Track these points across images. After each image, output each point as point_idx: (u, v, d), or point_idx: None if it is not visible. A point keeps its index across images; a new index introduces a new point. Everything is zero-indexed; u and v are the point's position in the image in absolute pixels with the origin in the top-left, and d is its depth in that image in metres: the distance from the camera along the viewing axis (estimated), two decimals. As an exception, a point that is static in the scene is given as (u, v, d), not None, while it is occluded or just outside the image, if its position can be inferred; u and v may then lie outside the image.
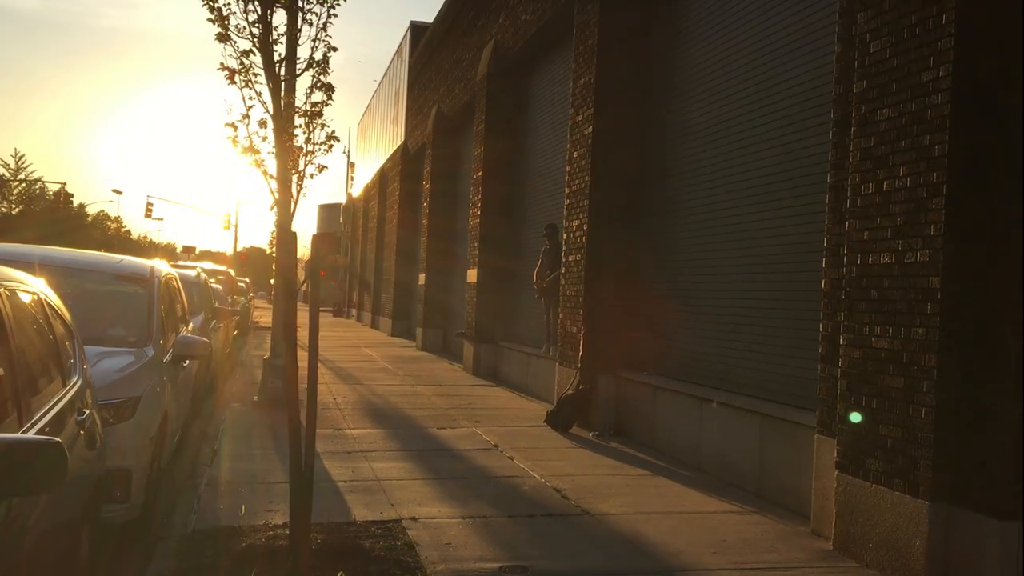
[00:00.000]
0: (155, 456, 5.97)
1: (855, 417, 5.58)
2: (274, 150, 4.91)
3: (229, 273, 24.34)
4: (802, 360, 7.13)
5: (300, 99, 4.84)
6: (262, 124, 4.88)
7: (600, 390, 10.39)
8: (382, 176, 32.96)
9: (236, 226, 53.43)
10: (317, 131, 4.92)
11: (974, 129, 5.03)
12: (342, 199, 51.30)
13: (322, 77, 4.91)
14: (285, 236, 4.83)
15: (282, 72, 4.79)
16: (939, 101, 5.08)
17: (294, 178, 4.91)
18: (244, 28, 4.80)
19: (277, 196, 4.91)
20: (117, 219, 73.15)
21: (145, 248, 64.45)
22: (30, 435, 2.70)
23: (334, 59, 5.07)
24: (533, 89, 15.53)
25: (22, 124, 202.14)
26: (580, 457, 8.89)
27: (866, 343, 5.60)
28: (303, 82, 5.05)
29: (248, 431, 9.77)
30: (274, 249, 43.54)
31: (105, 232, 67.23)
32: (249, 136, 4.82)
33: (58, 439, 2.40)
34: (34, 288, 3.86)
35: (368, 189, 37.98)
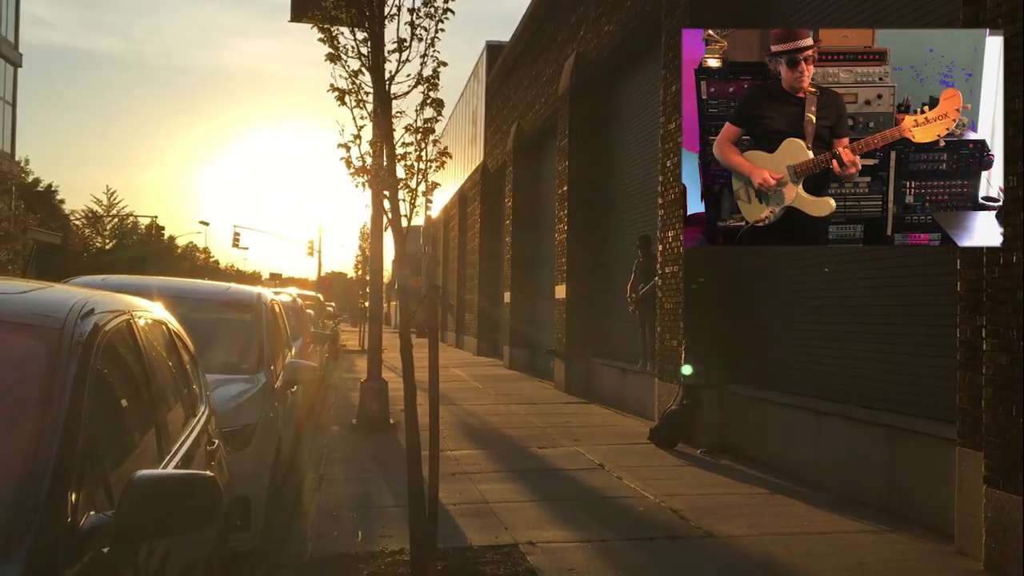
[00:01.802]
0: (271, 483, 5.93)
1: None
2: (385, 168, 4.83)
3: (319, 298, 24.71)
4: (931, 367, 6.72)
5: (411, 116, 4.74)
6: (373, 144, 4.81)
7: (705, 405, 10.05)
8: (461, 196, 33.12)
9: (319, 251, 54.46)
10: (428, 148, 4.81)
11: None
12: (419, 221, 51.74)
13: (431, 93, 4.80)
14: (401, 257, 4.74)
15: (391, 90, 4.69)
16: (1092, 84, 4.70)
17: (407, 196, 4.81)
18: (353, 48, 4.74)
19: (390, 215, 4.82)
20: (205, 249, 75.41)
21: (233, 276, 66.20)
22: (184, 470, 2.61)
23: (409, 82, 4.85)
24: (617, 100, 15.31)
25: (112, 160, 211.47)
26: (691, 475, 8.58)
27: (1014, 348, 5.20)
28: (413, 99, 4.96)
29: (351, 455, 9.75)
30: (359, 272, 44.14)
31: (194, 262, 69.29)
32: (362, 156, 4.75)
33: (211, 474, 2.30)
34: (160, 316, 3.83)
35: (447, 210, 38.22)
